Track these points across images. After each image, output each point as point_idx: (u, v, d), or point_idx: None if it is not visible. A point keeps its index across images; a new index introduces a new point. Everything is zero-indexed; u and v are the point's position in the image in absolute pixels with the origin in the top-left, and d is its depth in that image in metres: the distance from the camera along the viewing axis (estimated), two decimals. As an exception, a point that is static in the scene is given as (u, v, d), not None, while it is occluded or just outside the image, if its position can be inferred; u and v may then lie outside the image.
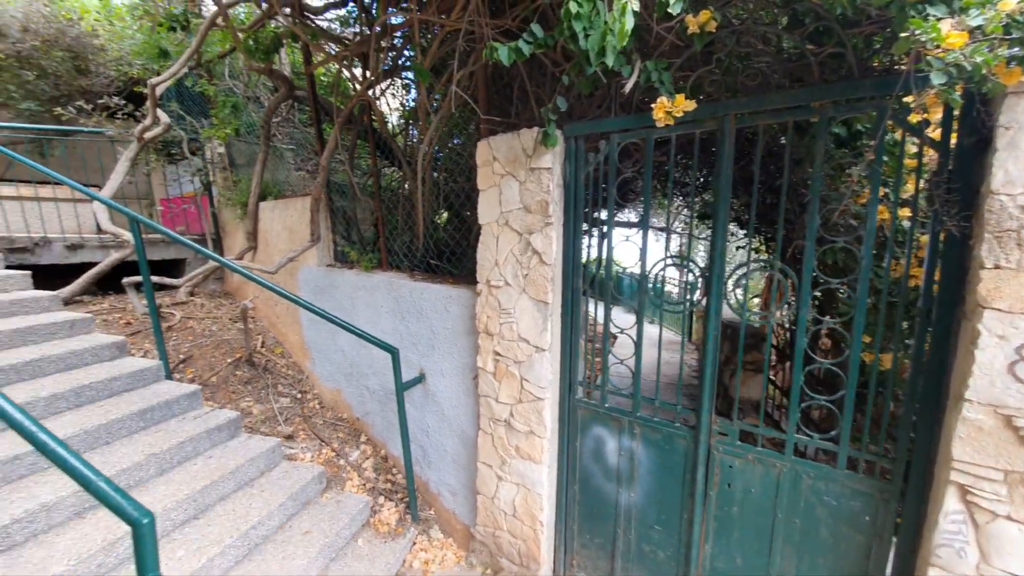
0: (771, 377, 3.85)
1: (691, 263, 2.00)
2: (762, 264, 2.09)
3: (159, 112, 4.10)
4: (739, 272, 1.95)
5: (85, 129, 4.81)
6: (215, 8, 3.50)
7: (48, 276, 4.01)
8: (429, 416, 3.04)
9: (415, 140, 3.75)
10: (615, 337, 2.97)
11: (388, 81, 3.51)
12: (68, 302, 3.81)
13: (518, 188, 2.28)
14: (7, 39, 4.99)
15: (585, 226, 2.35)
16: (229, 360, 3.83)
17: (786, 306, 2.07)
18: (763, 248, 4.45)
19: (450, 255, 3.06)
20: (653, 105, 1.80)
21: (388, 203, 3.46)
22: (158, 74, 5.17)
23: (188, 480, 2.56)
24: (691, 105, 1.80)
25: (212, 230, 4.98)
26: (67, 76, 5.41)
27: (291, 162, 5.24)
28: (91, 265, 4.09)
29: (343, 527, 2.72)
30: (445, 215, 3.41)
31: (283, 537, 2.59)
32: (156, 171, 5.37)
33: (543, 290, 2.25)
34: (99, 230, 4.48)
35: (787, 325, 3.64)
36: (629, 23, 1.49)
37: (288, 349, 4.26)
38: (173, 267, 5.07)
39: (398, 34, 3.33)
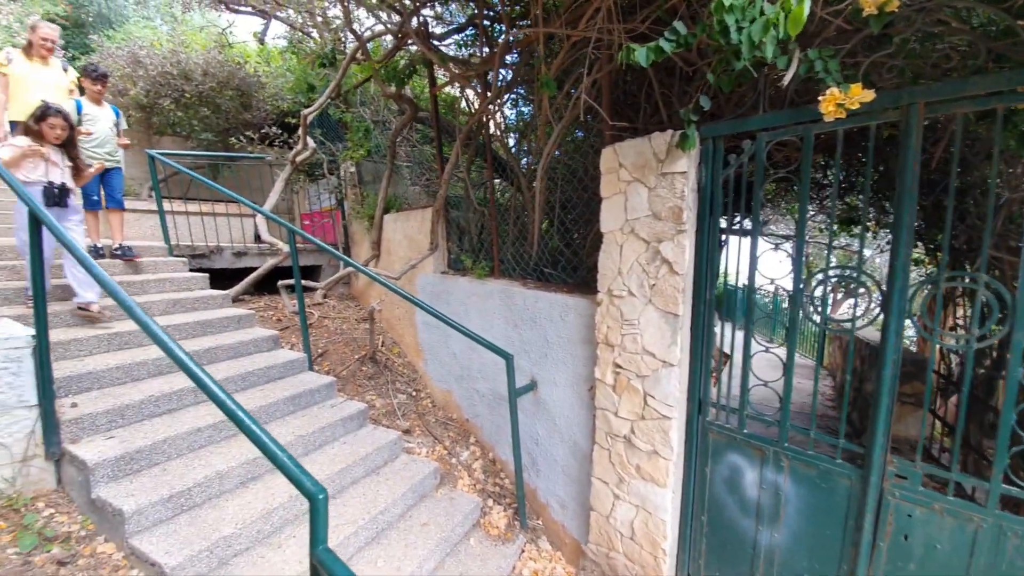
0: (938, 413, 3.24)
1: (867, 276, 1.74)
2: (959, 278, 1.76)
3: (308, 138, 4.71)
4: (928, 287, 1.66)
5: (252, 155, 5.71)
6: (355, 44, 3.96)
7: (219, 278, 4.78)
8: (539, 425, 3.04)
9: (526, 152, 3.85)
10: (728, 357, 2.73)
11: (505, 97, 3.65)
12: (235, 300, 4.50)
13: (647, 195, 2.20)
14: (192, 82, 6.13)
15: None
16: (356, 357, 4.22)
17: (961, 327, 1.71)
18: (925, 259, 3.80)
19: (565, 264, 3.05)
20: (820, 97, 1.62)
21: (500, 213, 3.58)
22: (304, 106, 5.98)
23: (327, 462, 2.84)
24: (869, 95, 1.58)
25: (343, 240, 5.58)
26: (234, 111, 6.47)
27: (407, 178, 5.69)
28: (252, 269, 4.80)
29: (457, 524, 2.81)
30: (545, 224, 3.43)
31: (404, 526, 2.75)
32: (301, 189, 6.17)
33: (672, 301, 2.13)
34: (257, 240, 5.27)
35: (957, 352, 3.05)
36: (806, 9, 1.35)
37: (404, 349, 4.58)
38: (310, 272, 5.75)
39: (514, 52, 3.45)
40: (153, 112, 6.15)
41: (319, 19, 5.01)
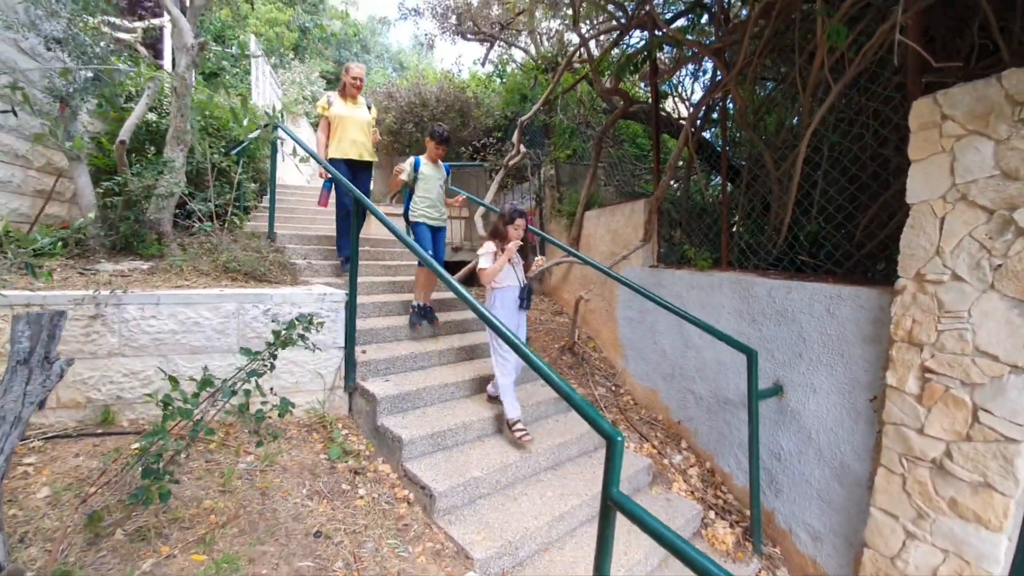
0: None
1: None
2: None
3: (521, 144, 5.16)
4: None
5: (474, 163, 6.57)
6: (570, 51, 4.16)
7: (440, 268, 5.55)
8: (783, 437, 2.63)
9: (766, 132, 3.47)
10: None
11: (746, 71, 3.35)
12: (455, 286, 5.16)
13: (992, 149, 1.70)
14: (428, 107, 7.35)
15: None
16: (556, 346, 4.38)
17: None
18: None
19: (831, 249, 2.60)
20: None
21: (732, 202, 3.28)
22: (508, 119, 6.62)
23: (544, 434, 2.95)
24: None
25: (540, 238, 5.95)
26: (455, 129, 7.55)
27: (600, 179, 5.76)
28: (465, 263, 5.46)
29: (679, 527, 2.61)
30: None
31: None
32: (505, 191, 6.85)
33: (1040, 286, 1.59)
34: (466, 238, 5.98)
35: None
36: None
37: (600, 344, 4.57)
38: (508, 268, 6.29)
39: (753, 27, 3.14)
40: (399, 136, 7.61)
41: (539, 35, 5.50)
